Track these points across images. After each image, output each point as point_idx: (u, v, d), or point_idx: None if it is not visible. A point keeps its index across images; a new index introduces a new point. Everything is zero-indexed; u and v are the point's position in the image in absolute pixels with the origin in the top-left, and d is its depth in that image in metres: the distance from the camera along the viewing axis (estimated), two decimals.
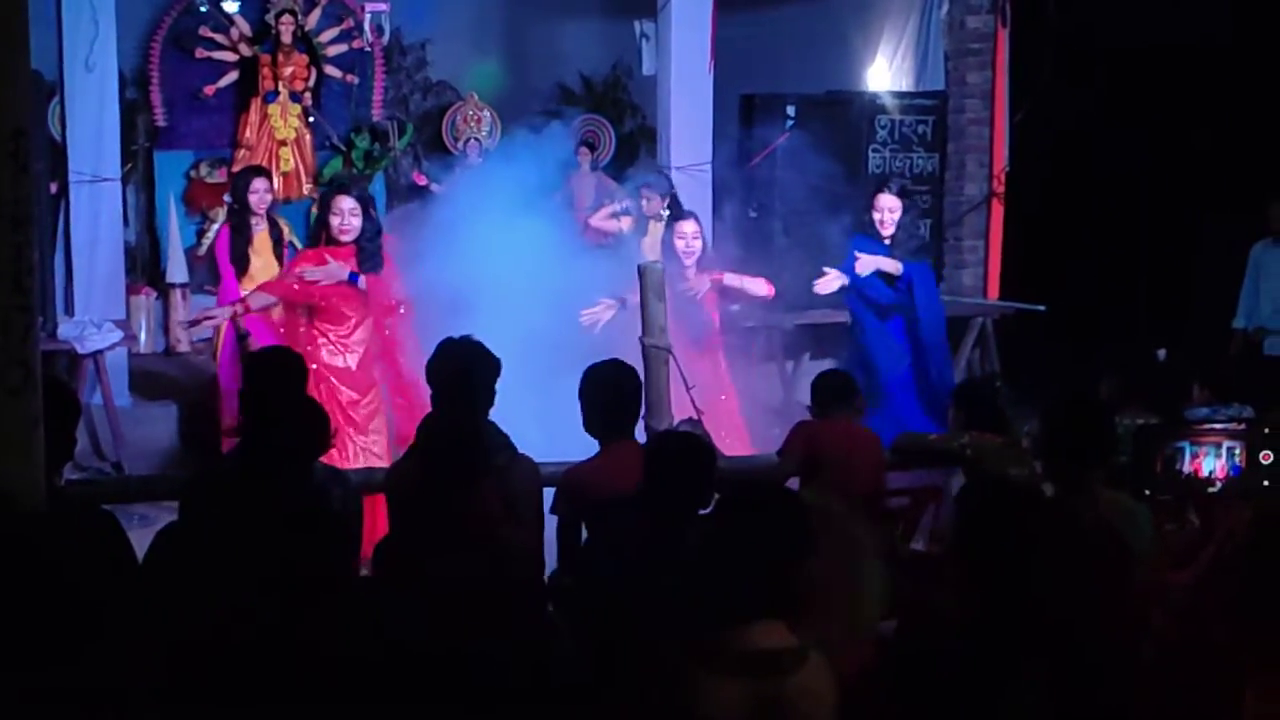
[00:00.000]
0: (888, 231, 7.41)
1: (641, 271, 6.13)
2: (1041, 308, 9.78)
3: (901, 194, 7.62)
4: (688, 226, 7.10)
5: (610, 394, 4.79)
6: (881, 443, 5.66)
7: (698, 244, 7.07)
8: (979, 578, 3.37)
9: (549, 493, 4.81)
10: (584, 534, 4.71)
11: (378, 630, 3.70)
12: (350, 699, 3.22)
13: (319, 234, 6.76)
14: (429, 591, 4.05)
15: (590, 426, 4.81)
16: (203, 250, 9.23)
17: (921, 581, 4.51)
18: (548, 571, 4.64)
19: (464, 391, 4.65)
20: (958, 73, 10.58)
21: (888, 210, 7.40)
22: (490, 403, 4.69)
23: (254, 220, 7.66)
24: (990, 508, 3.54)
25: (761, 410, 7.96)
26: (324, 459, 4.59)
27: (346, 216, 6.61)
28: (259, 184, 7.73)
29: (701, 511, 4.20)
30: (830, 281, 7.40)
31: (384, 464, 6.24)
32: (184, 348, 9.53)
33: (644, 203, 8.63)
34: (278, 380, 4.76)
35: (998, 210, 10.59)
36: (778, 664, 2.86)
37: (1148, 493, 4.85)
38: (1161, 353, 6.59)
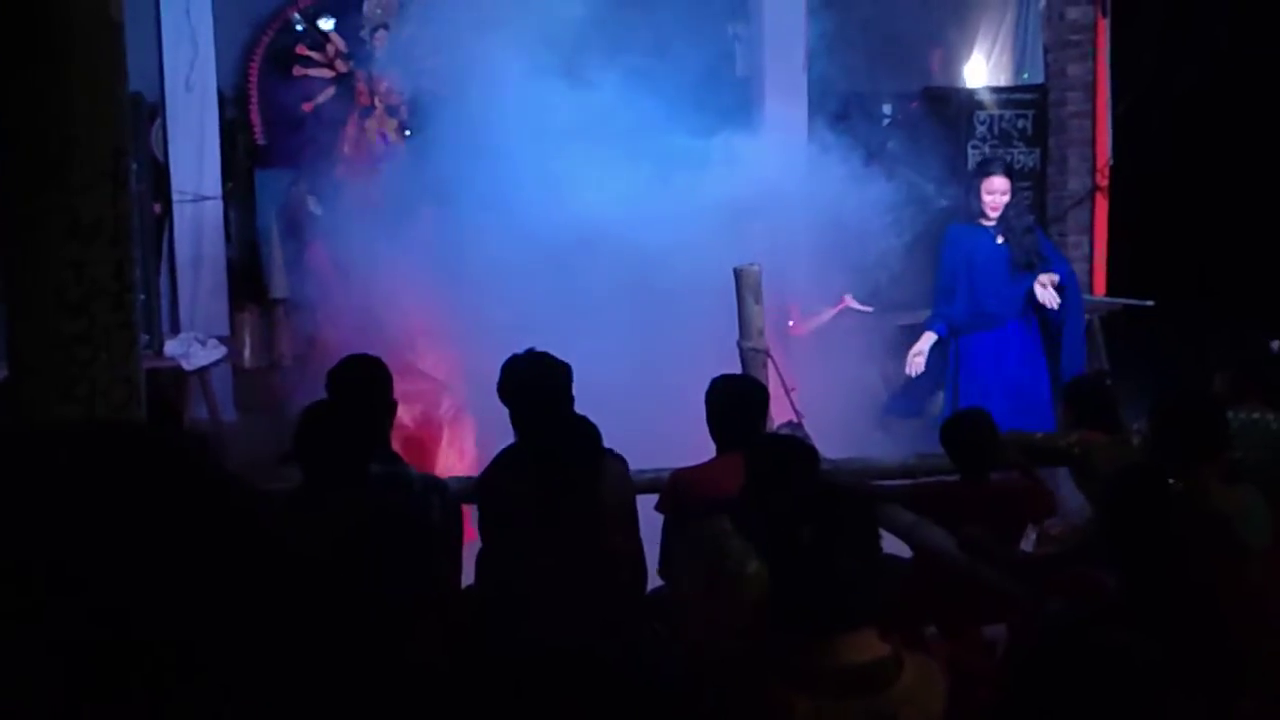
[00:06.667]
0: (997, 213, 7.42)
1: (737, 273, 6.10)
2: (1150, 302, 9.57)
3: (1009, 174, 7.69)
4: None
5: (733, 406, 4.85)
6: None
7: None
8: (1128, 564, 3.28)
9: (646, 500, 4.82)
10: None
11: (482, 642, 3.69)
12: (454, 713, 3.20)
13: None
14: (534, 601, 4.04)
15: (711, 432, 4.91)
16: None
17: (1033, 584, 4.42)
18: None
19: (553, 404, 4.65)
20: (1058, 65, 10.38)
21: (999, 193, 7.44)
22: (571, 408, 4.70)
23: None
24: (1141, 494, 3.46)
25: (862, 412, 7.87)
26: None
27: None
28: None
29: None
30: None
31: None
32: (288, 362, 9.64)
33: None
34: (358, 386, 4.77)
35: (1102, 204, 10.38)
36: (874, 677, 2.74)
37: None
38: (1276, 344, 6.40)
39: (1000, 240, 7.53)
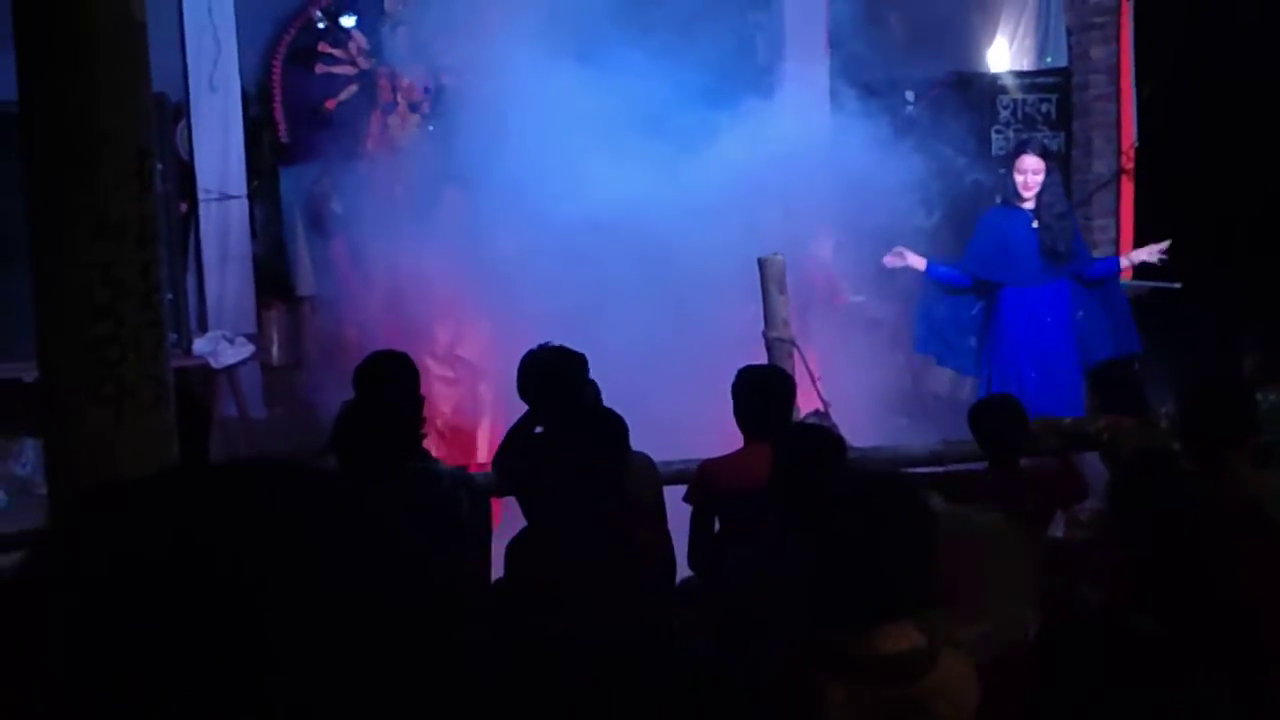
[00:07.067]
0: (1030, 193, 7.41)
1: (761, 263, 6.10)
2: (1177, 285, 9.51)
3: (1044, 155, 7.66)
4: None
5: (759, 396, 4.86)
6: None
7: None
8: (1132, 555, 3.28)
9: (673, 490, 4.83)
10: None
11: (510, 635, 3.69)
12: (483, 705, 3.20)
13: None
14: (562, 594, 4.05)
15: (739, 423, 4.90)
16: None
17: (1062, 569, 4.41)
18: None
19: (573, 396, 4.67)
20: (1081, 48, 10.33)
21: (1031, 172, 7.41)
22: (586, 397, 4.73)
23: None
24: (1145, 483, 3.46)
25: (887, 400, 7.86)
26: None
27: None
28: None
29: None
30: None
31: None
32: (315, 359, 9.68)
33: None
34: (384, 381, 4.80)
35: (1127, 187, 10.33)
36: (909, 667, 2.74)
37: None
38: None
39: (1035, 224, 7.53)
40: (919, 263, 7.62)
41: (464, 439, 7.68)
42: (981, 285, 7.75)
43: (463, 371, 7.74)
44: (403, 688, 1.05)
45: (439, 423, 7.45)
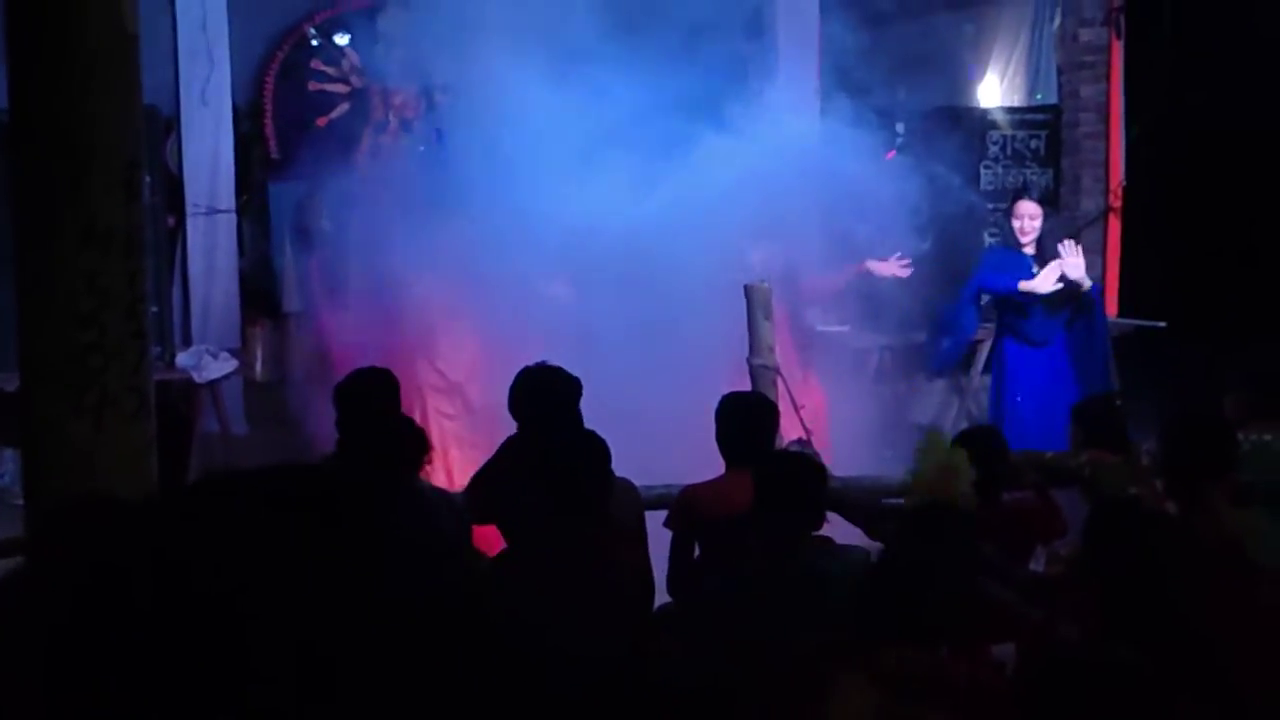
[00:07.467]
0: (1028, 239, 7.39)
1: (748, 290, 6.11)
2: (1162, 324, 9.55)
3: (1041, 203, 7.71)
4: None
5: (742, 422, 4.86)
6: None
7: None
8: (1107, 599, 3.30)
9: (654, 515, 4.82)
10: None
11: (494, 654, 3.68)
12: None
13: None
14: (545, 613, 4.05)
15: (721, 449, 4.92)
16: None
17: (1041, 604, 4.42)
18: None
19: (566, 417, 4.67)
20: (1071, 86, 10.39)
21: (1028, 218, 7.39)
22: (580, 425, 4.74)
23: None
24: (1117, 528, 3.48)
25: (872, 431, 7.86)
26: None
27: None
28: None
29: (814, 532, 4.16)
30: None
31: None
32: (299, 376, 9.66)
33: None
34: (370, 398, 4.81)
35: (1114, 225, 10.38)
36: (925, 690, 2.80)
37: None
38: None
39: (1036, 270, 7.51)
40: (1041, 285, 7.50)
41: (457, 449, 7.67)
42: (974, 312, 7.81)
43: (452, 385, 7.73)
44: (383, 698, 1.04)
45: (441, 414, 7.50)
